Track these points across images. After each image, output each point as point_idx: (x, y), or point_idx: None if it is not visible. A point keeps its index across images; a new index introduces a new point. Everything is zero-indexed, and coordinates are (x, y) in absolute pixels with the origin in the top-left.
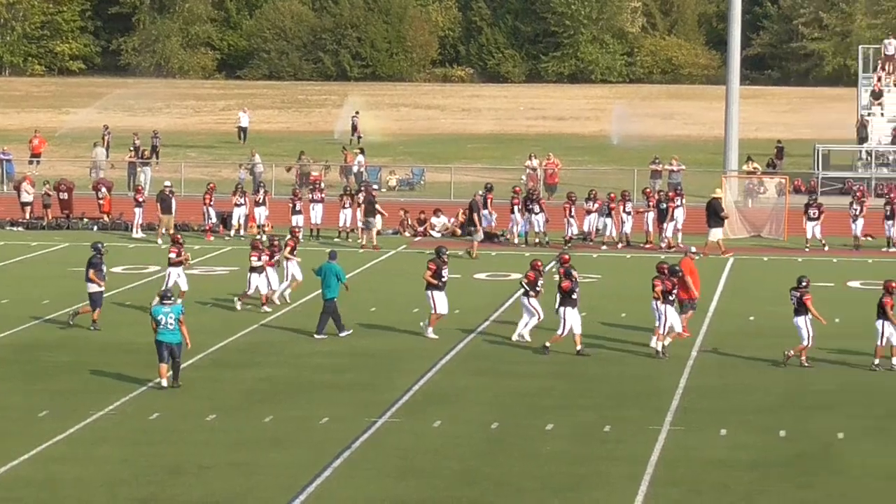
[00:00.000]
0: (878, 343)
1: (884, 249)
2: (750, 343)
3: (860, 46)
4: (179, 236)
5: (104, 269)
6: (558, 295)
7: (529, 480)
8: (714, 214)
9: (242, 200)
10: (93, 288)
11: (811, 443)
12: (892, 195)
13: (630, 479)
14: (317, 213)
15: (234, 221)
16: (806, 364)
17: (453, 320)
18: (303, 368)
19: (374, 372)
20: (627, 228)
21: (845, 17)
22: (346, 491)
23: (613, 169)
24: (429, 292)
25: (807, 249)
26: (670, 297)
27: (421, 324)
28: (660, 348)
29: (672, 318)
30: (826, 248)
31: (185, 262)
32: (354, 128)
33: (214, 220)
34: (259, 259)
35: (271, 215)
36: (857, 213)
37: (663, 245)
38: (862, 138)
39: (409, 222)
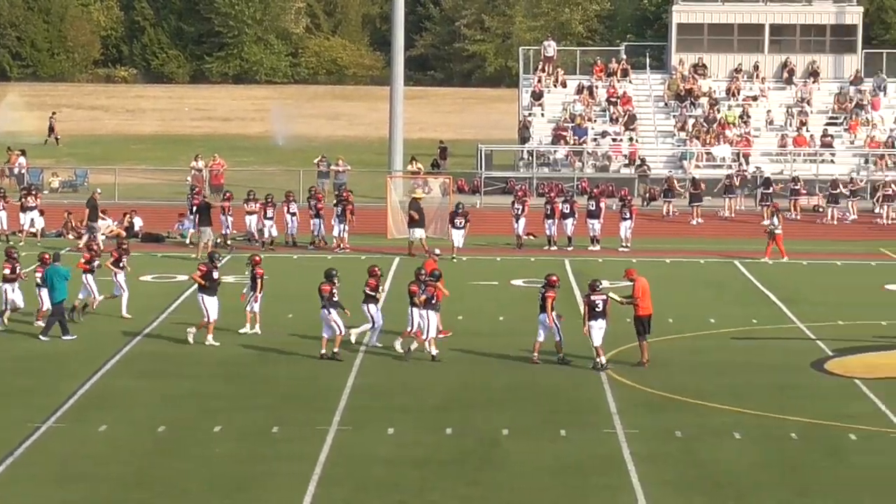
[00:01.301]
0: (538, 339)
1: (545, 248)
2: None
3: (521, 48)
4: (14, 251)
5: None
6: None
7: (198, 482)
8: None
9: None
10: None
11: (477, 440)
12: (552, 194)
13: (298, 479)
14: None
15: None
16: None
17: (120, 323)
18: None
19: (38, 376)
20: (293, 230)
21: (506, 20)
22: (10, 498)
23: (279, 169)
24: (200, 296)
25: (454, 258)
26: (433, 301)
27: (189, 330)
28: (434, 352)
29: (433, 322)
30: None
31: (20, 278)
32: (52, 129)
33: None
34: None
35: None
36: (520, 212)
37: (334, 246)
38: (524, 138)
39: (73, 224)
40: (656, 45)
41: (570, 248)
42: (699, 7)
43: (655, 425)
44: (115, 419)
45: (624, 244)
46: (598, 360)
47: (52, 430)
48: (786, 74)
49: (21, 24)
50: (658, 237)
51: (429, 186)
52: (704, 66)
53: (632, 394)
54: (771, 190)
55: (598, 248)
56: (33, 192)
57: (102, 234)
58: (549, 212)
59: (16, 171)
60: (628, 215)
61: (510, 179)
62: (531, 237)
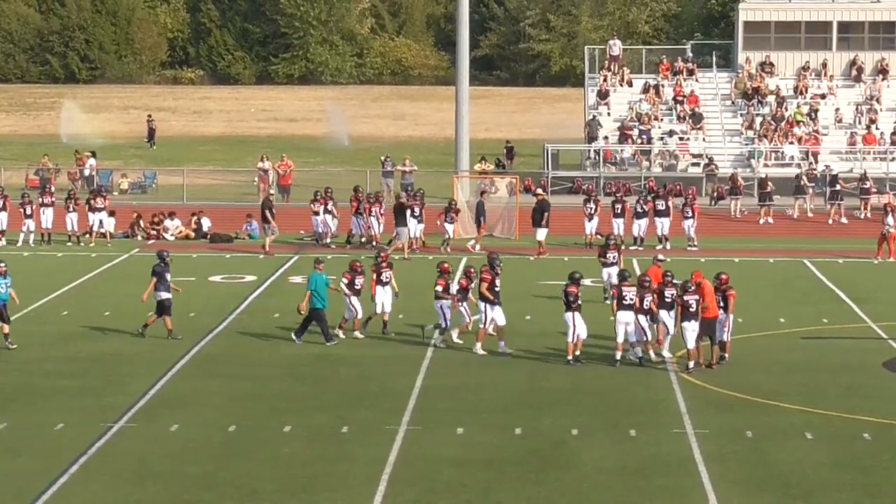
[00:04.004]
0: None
1: None
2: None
3: (586, 47)
4: (359, 265)
5: (168, 276)
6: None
7: (268, 483)
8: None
9: None
10: (161, 296)
11: (545, 440)
12: (620, 194)
13: (368, 480)
14: (47, 217)
15: None
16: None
17: (188, 322)
18: (35, 375)
19: (109, 377)
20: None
21: (571, 19)
22: (83, 497)
23: (346, 170)
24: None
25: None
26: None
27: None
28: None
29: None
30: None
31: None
32: (152, 132)
33: None
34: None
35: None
36: (592, 211)
37: (414, 247)
38: (590, 138)
39: (142, 225)
40: (723, 43)
41: (640, 248)
42: (766, 5)
43: (725, 425)
44: (186, 419)
45: (691, 243)
46: (688, 362)
47: (125, 429)
48: (854, 72)
49: (89, 26)
50: (727, 236)
51: (496, 187)
52: (771, 63)
53: (701, 393)
54: (839, 188)
55: (668, 246)
56: (102, 194)
57: (171, 234)
58: (618, 211)
59: (86, 172)
60: (690, 214)
61: (577, 179)
62: (599, 237)
